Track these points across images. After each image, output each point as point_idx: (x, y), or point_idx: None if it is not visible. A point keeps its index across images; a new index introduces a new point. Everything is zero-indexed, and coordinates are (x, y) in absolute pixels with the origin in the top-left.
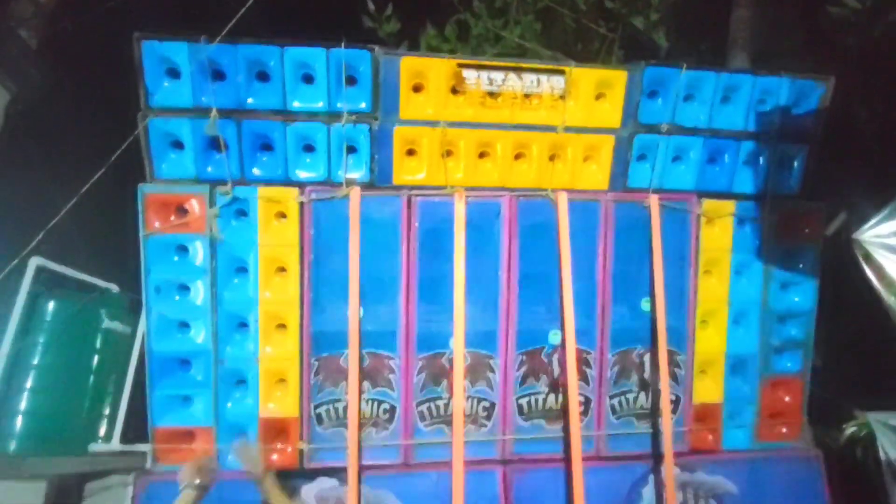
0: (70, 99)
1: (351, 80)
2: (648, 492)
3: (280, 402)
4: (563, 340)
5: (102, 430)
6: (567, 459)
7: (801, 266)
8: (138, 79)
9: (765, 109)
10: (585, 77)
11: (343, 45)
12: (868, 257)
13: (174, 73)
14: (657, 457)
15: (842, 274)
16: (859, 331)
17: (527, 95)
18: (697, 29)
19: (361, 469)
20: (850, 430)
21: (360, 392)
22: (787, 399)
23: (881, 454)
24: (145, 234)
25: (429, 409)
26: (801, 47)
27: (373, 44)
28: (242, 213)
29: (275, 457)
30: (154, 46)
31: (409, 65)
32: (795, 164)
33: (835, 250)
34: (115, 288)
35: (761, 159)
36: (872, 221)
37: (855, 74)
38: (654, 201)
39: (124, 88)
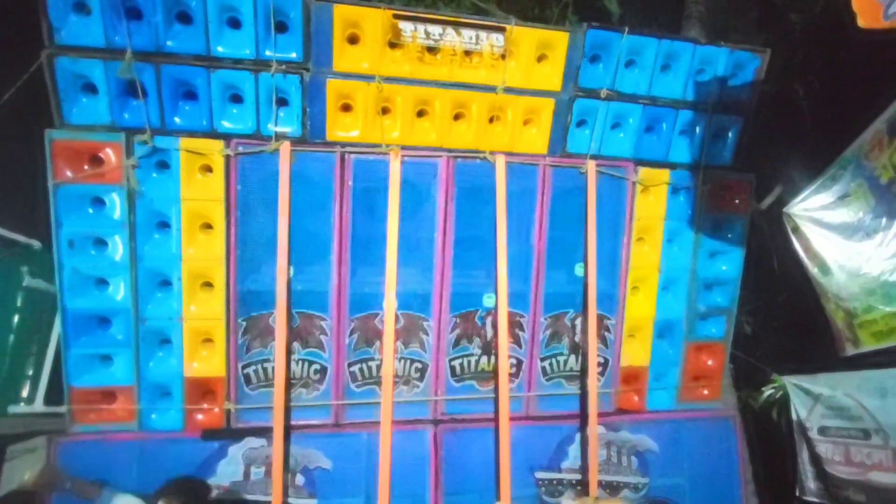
0: None
1: (281, 27)
2: (574, 449)
3: (206, 362)
4: (497, 303)
5: (25, 392)
6: (497, 419)
7: (729, 236)
8: (41, 11)
9: (703, 80)
10: (526, 36)
11: None
12: (797, 230)
13: (83, 8)
14: (584, 417)
15: (775, 245)
16: (788, 300)
17: (467, 53)
18: (655, 2)
19: (291, 428)
20: (767, 392)
21: (290, 352)
22: (709, 363)
23: (793, 414)
24: (54, 183)
25: (361, 369)
26: (755, 24)
27: None
28: (164, 165)
29: (200, 417)
30: None
31: (343, 13)
32: (730, 135)
33: (769, 223)
34: (37, 244)
35: (697, 129)
36: (802, 195)
37: (796, 51)
38: (591, 167)
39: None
